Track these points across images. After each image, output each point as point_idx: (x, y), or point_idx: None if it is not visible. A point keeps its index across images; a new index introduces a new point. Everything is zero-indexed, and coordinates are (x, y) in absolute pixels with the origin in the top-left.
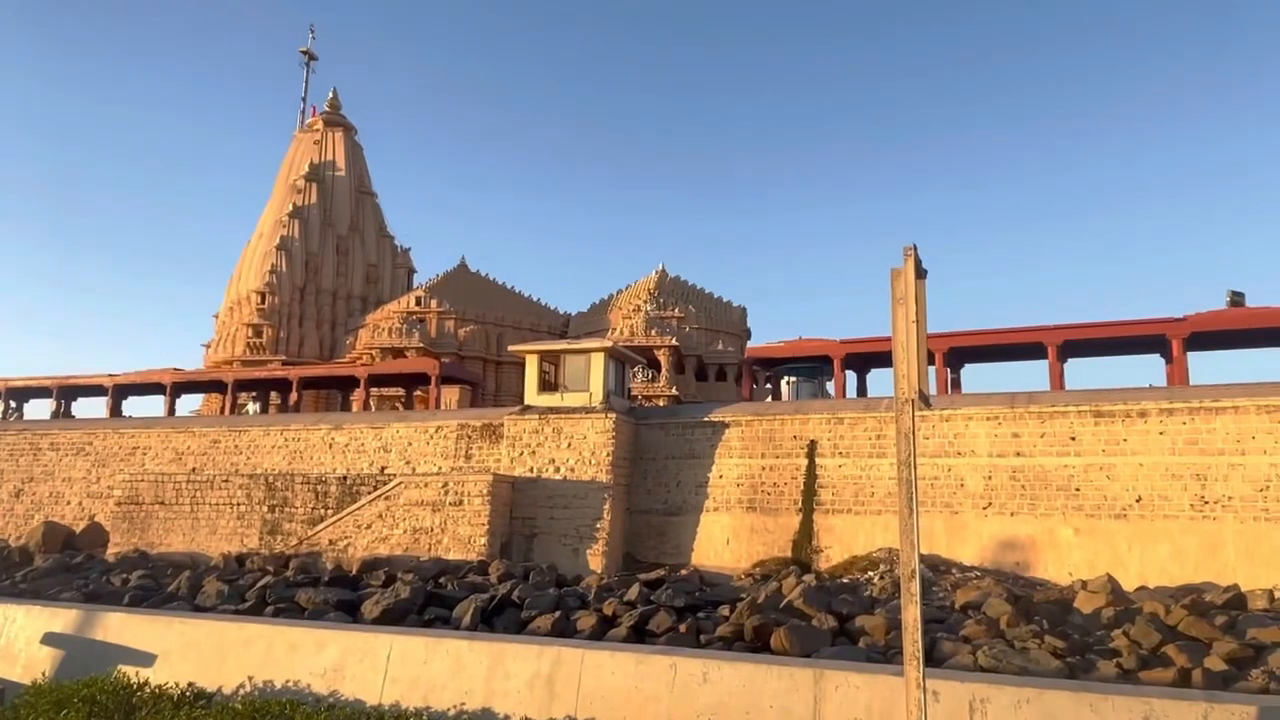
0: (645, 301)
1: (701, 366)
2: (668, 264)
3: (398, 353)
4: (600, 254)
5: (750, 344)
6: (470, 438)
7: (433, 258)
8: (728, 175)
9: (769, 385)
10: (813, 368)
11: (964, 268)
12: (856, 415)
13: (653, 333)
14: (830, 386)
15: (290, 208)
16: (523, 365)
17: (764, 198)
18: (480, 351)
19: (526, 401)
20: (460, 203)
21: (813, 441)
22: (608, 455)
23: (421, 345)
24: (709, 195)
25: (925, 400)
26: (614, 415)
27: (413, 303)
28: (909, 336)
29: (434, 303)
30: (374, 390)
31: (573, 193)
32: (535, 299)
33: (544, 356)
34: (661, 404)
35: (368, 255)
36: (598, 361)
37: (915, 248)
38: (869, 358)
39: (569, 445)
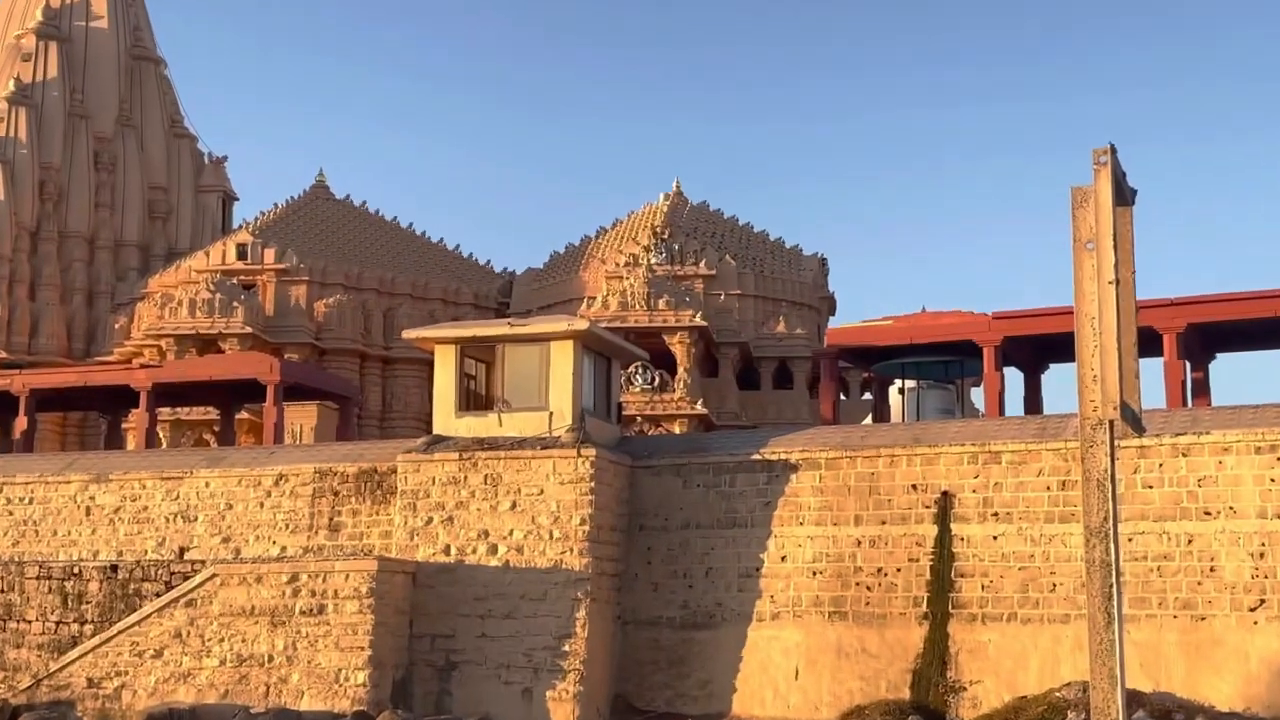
0: (648, 249)
1: (749, 362)
2: (686, 185)
3: (207, 344)
4: (565, 180)
5: (834, 323)
6: (338, 494)
7: (271, 179)
8: (789, 46)
9: (867, 394)
10: (945, 364)
11: (1191, 185)
12: (1024, 447)
13: (662, 304)
14: (977, 396)
15: (10, 87)
16: (429, 365)
17: (847, 83)
18: (355, 340)
19: (437, 429)
20: (321, 88)
21: (946, 494)
22: (582, 523)
23: (250, 330)
24: (751, 81)
25: (1134, 422)
26: (593, 452)
27: (233, 254)
28: (1103, 308)
29: (270, 254)
30: (166, 411)
31: (515, 83)
32: (452, 248)
33: (467, 348)
34: (678, 430)
35: (150, 170)
36: (563, 355)
37: (1113, 151)
38: (1045, 344)
39: (513, 506)
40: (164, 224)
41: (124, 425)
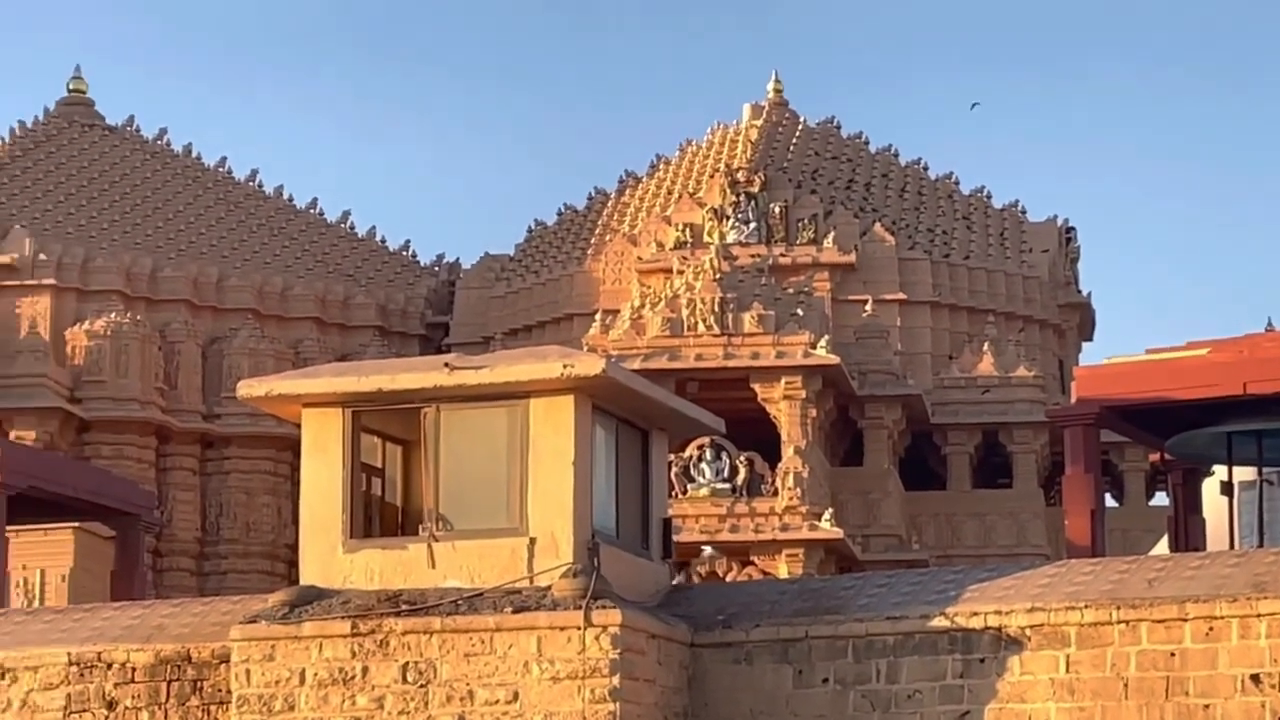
0: (719, 214)
1: (923, 434)
2: (794, 88)
3: None
4: (556, 101)
5: (1089, 357)
6: (115, 706)
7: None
8: None
9: (1160, 496)
10: None
11: None
12: None
13: (750, 321)
14: None
15: None
16: (292, 447)
17: None
18: (146, 402)
19: (308, 575)
20: None
21: None
22: None
23: None
24: None
25: None
26: (617, 618)
27: None
28: None
29: None
30: None
31: None
32: (335, 220)
33: (364, 415)
34: (784, 570)
35: None
36: (554, 427)
37: None
38: None
39: None
40: None
41: None
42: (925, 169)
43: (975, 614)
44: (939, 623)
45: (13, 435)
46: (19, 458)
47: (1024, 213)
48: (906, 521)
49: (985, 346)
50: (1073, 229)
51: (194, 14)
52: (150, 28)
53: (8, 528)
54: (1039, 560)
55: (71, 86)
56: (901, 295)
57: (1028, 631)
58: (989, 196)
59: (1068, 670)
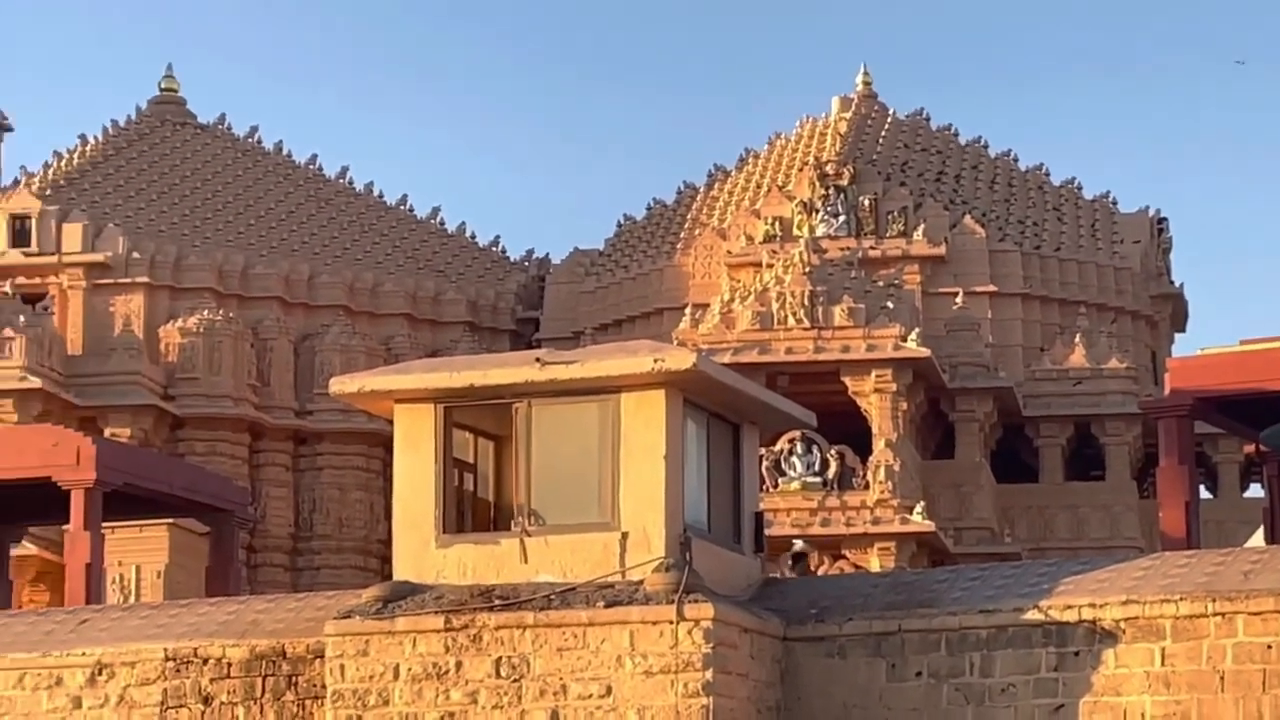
0: (808, 206)
1: (1014, 427)
2: (884, 80)
3: None
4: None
5: (1181, 349)
6: (211, 701)
7: (82, 91)
8: None
9: (1256, 488)
10: None
11: None
12: None
13: (840, 314)
14: None
15: None
16: (385, 443)
17: None
18: (239, 399)
19: (401, 570)
20: None
21: None
22: None
23: (35, 385)
24: None
25: None
26: (710, 612)
27: (1, 234)
28: None
29: (73, 233)
30: None
31: None
32: (425, 217)
33: (456, 410)
34: (875, 564)
35: None
36: (645, 421)
37: None
38: None
39: None
40: None
41: None
42: (1015, 160)
43: (1069, 607)
44: (1033, 616)
45: (107, 432)
46: (114, 455)
47: (1115, 204)
48: (998, 514)
49: (1077, 338)
50: (1164, 220)
51: (284, 12)
52: (241, 26)
53: (103, 524)
54: (1133, 553)
55: (163, 85)
56: (992, 287)
57: (1122, 624)
58: (1080, 188)
59: (1163, 663)
